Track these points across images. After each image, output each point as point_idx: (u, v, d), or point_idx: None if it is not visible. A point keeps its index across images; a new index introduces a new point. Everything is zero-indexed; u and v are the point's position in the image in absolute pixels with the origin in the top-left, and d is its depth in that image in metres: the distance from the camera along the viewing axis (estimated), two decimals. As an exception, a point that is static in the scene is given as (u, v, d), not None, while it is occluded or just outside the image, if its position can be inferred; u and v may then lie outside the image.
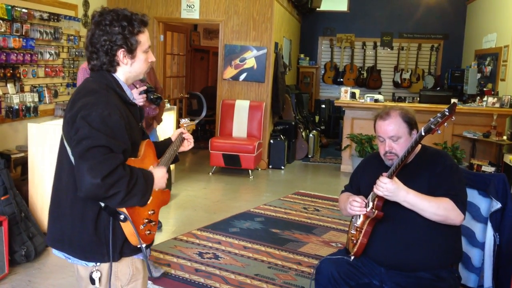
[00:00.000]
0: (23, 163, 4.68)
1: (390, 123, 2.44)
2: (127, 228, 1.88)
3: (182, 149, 2.37)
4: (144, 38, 1.98)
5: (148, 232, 1.97)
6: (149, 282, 3.51)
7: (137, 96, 3.29)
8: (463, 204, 2.35)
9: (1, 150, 4.85)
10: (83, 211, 1.88)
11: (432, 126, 2.12)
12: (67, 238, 1.92)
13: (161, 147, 2.25)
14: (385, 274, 2.44)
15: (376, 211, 2.36)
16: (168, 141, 2.34)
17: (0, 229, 3.51)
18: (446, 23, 10.64)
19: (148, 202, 1.95)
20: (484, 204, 2.64)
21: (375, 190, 2.32)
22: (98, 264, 1.93)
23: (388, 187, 2.26)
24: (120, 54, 1.94)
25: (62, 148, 1.95)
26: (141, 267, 2.07)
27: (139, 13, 2.00)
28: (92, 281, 1.94)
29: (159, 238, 4.43)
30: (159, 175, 2.00)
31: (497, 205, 2.54)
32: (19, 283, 3.50)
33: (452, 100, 6.89)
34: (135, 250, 1.97)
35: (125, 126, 1.85)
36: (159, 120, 4.52)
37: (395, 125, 2.43)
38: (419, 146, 2.53)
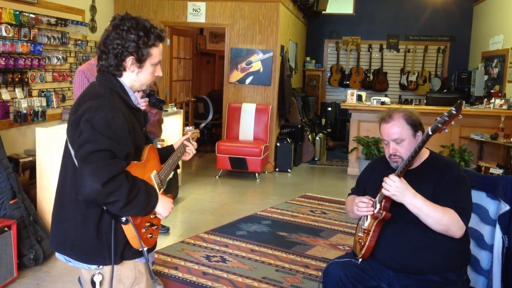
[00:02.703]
0: (31, 167, 4.71)
1: (393, 125, 2.44)
2: (129, 231, 1.89)
3: (182, 158, 2.38)
4: (156, 52, 2.00)
5: (150, 235, 1.98)
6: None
7: (139, 100, 3.29)
8: (467, 218, 2.34)
9: (9, 154, 4.87)
10: (86, 214, 1.89)
11: (439, 125, 2.12)
12: (69, 240, 1.93)
13: (163, 154, 2.26)
14: (393, 277, 2.43)
15: (384, 212, 2.36)
16: (170, 148, 2.35)
17: (9, 232, 3.53)
18: (452, 25, 10.61)
19: None
20: (493, 207, 2.63)
21: (383, 190, 2.31)
22: (100, 267, 1.94)
23: (397, 185, 2.25)
24: (129, 61, 1.96)
25: (66, 151, 1.97)
26: (144, 270, 2.07)
27: (158, 27, 2.03)
28: (93, 284, 1.95)
29: (167, 241, 4.44)
30: (164, 202, 2.00)
31: (505, 207, 2.53)
32: (27, 286, 3.52)
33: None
34: (137, 254, 1.98)
35: (129, 130, 1.86)
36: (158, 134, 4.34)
37: (398, 127, 2.43)
38: (428, 152, 2.52)
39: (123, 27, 1.93)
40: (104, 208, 1.85)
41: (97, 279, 1.95)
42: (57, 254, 2.02)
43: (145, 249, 1.94)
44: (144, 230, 1.94)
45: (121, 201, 1.77)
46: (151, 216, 1.99)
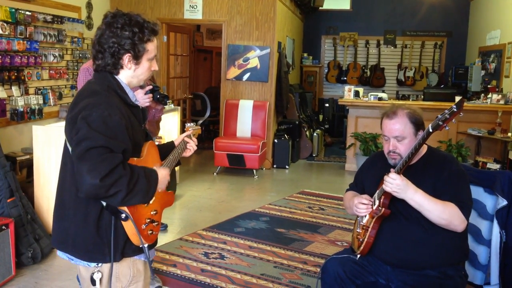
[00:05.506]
0: (29, 165, 4.70)
1: (396, 122, 2.43)
2: (129, 228, 1.89)
3: (183, 154, 2.38)
4: (151, 47, 2.00)
5: (150, 232, 1.98)
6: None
7: (143, 96, 3.28)
8: (468, 211, 2.34)
9: (6, 152, 4.86)
10: (86, 211, 1.89)
11: (440, 122, 2.11)
12: (71, 238, 1.93)
13: (164, 150, 2.26)
14: (391, 273, 2.44)
15: (383, 209, 2.36)
16: (170, 145, 2.34)
17: (7, 231, 3.53)
18: (449, 20, 10.61)
19: (151, 202, 1.96)
20: (490, 202, 2.64)
21: (384, 186, 2.31)
22: (100, 264, 1.94)
23: (398, 183, 2.25)
24: (126, 58, 1.95)
25: (65, 150, 1.96)
26: (142, 268, 2.06)
27: (151, 21, 2.01)
28: (93, 282, 1.95)
29: (165, 238, 4.44)
30: (162, 175, 2.01)
31: (503, 202, 2.53)
32: (25, 284, 3.52)
33: (457, 98, 6.88)
34: (137, 251, 1.98)
35: (126, 127, 1.85)
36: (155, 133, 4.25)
37: (401, 125, 2.42)
38: (426, 148, 2.52)
39: (116, 24, 1.92)
40: (104, 204, 1.85)
41: (97, 277, 1.94)
42: (59, 253, 2.02)
43: (146, 245, 1.93)
44: (144, 226, 1.94)
45: (123, 191, 1.76)
46: (152, 213, 1.98)
